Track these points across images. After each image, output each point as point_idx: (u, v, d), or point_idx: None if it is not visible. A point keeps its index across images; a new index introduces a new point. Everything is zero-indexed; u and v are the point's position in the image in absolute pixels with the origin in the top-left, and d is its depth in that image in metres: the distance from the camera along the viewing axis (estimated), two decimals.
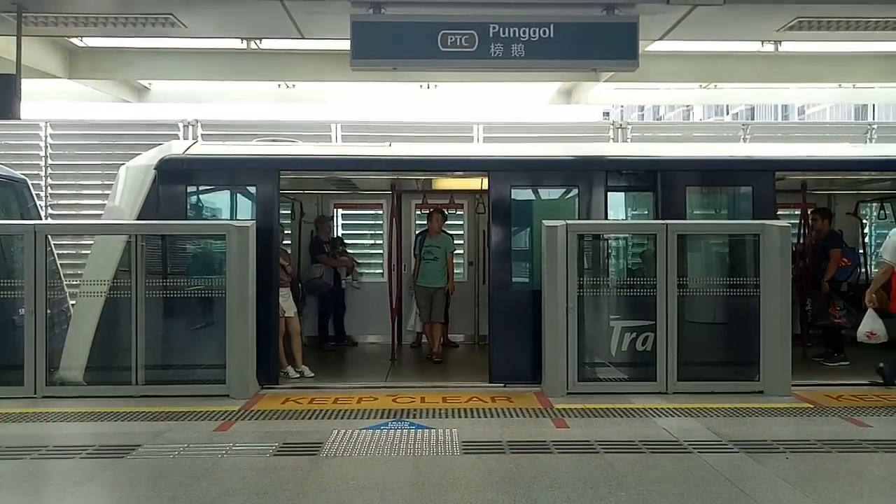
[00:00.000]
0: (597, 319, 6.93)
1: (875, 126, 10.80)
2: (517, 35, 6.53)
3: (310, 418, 5.88)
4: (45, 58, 9.12)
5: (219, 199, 7.88)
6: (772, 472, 4.50)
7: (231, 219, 7.49)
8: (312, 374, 7.69)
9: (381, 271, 10.23)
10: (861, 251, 9.77)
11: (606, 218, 7.37)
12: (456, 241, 9.37)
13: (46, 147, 10.08)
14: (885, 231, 10.38)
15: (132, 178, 7.29)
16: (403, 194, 9.76)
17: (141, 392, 6.59)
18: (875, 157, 8.17)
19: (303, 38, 7.86)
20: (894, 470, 4.60)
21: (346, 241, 10.08)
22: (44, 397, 6.53)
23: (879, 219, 10.23)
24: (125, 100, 11.96)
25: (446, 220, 9.25)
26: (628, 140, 10.36)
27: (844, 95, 12.42)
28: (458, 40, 6.56)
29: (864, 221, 10.30)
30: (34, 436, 5.40)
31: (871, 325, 6.61)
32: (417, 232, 9.85)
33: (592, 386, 6.72)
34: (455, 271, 9.16)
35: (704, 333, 7.23)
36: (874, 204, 10.24)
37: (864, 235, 10.21)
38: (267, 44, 9.41)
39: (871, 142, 10.46)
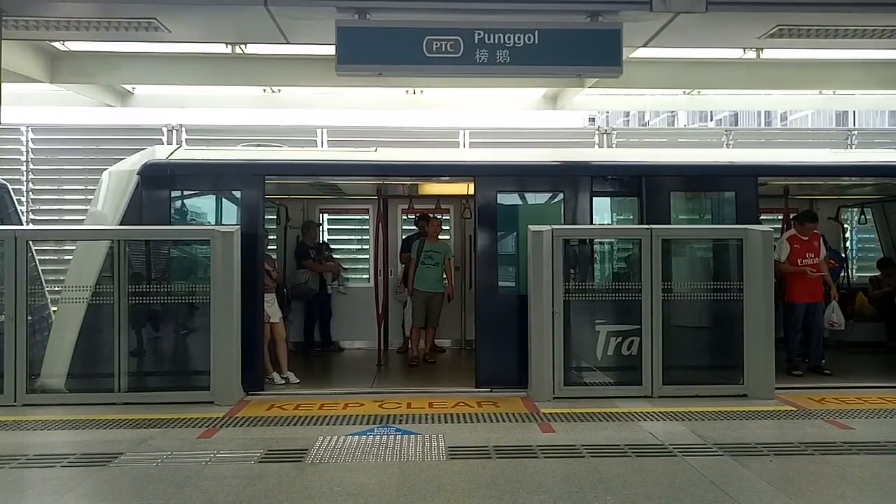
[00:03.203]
0: (583, 324, 6.96)
1: (855, 132, 11.03)
2: (502, 41, 6.55)
3: (295, 424, 5.85)
4: (26, 61, 8.99)
5: (203, 205, 7.83)
6: (755, 474, 4.54)
7: (216, 224, 7.44)
8: (298, 381, 7.65)
9: (367, 276, 10.21)
10: (843, 255, 9.92)
11: (592, 223, 7.41)
12: None
13: (28, 151, 10.00)
14: (866, 235, 10.64)
15: (115, 183, 7.24)
16: (389, 199, 9.75)
17: (124, 399, 6.51)
18: (855, 163, 8.31)
19: (288, 44, 7.85)
20: (876, 472, 4.65)
21: (331, 247, 10.05)
22: (24, 405, 6.44)
23: (860, 223, 10.41)
24: (108, 104, 11.82)
25: None
26: (613, 145, 10.45)
27: (825, 102, 12.57)
28: (444, 46, 6.56)
29: (846, 226, 10.45)
30: (14, 444, 5.33)
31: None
32: (404, 236, 9.84)
33: (578, 390, 6.74)
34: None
35: (689, 337, 7.30)
36: (855, 209, 10.40)
37: (845, 240, 10.36)
38: (252, 49, 9.36)
39: (851, 147, 10.64)
